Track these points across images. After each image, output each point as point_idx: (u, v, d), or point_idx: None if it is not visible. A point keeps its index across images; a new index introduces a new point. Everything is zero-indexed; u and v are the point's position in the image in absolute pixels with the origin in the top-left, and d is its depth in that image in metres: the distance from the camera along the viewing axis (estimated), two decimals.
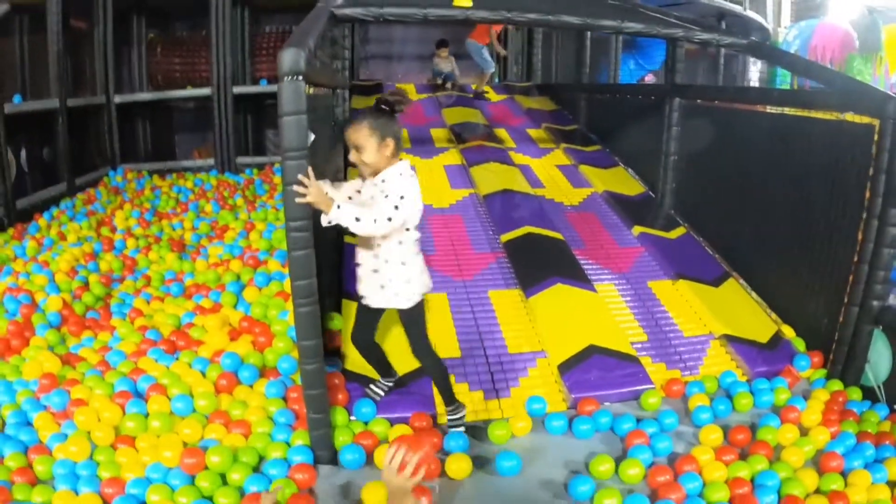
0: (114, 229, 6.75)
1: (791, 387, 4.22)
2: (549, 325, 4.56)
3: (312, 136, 3.20)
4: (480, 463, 3.46)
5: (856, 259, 4.19)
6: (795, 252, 4.73)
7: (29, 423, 3.67)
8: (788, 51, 10.81)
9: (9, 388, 3.94)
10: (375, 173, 3.24)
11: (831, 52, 11.19)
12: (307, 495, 3.17)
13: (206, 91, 9.70)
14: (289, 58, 2.96)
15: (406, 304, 3.38)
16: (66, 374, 4.07)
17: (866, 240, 4.12)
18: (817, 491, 3.33)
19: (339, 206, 3.01)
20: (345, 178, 5.42)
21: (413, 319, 3.46)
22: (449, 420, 3.68)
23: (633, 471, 3.38)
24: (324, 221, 3.13)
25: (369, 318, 3.59)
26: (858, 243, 4.17)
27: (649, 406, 3.98)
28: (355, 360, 4.02)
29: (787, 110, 4.89)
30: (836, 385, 4.26)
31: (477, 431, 3.69)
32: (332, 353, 4.11)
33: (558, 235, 5.68)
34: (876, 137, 4.04)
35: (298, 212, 3.07)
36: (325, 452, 3.42)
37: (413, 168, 3.29)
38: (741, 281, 5.36)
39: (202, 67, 10.11)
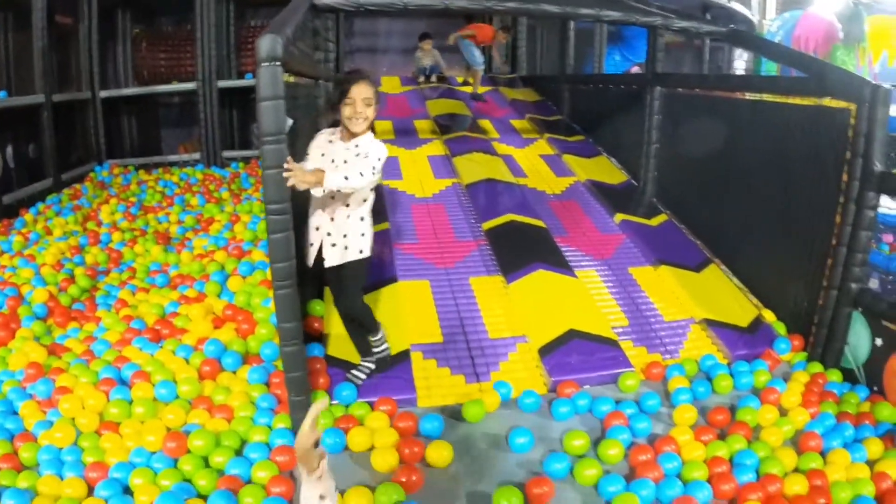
0: (99, 223, 6.76)
1: (771, 369, 4.27)
2: (530, 310, 4.60)
3: (290, 122, 3.23)
4: (462, 447, 3.49)
5: (834, 242, 4.24)
6: (776, 237, 4.79)
7: (15, 413, 3.68)
8: (767, 39, 10.86)
9: None
10: (353, 136, 3.50)
11: (815, 42, 11.25)
12: (288, 478, 3.20)
13: (191, 86, 9.70)
14: (266, 44, 3.00)
15: (359, 255, 3.62)
16: (52, 363, 4.09)
17: (844, 223, 4.17)
18: (796, 470, 3.37)
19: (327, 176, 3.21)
20: None
21: (357, 273, 3.69)
22: (353, 372, 3.90)
23: (613, 451, 3.42)
24: (317, 193, 3.37)
25: (335, 281, 3.78)
26: (836, 226, 4.22)
27: (627, 388, 4.02)
28: (337, 346, 4.06)
29: (766, 97, 4.93)
30: (817, 367, 4.32)
31: (456, 414, 3.72)
32: (315, 339, 4.14)
33: (540, 223, 5.71)
34: (853, 121, 4.10)
35: (277, 195, 3.11)
36: None
37: None
38: (722, 266, 5.41)
39: (188, 62, 10.11)
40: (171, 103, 11.03)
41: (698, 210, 5.92)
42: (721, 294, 5.05)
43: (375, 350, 3.93)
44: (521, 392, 3.88)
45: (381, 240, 5.11)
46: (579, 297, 4.77)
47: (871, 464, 3.41)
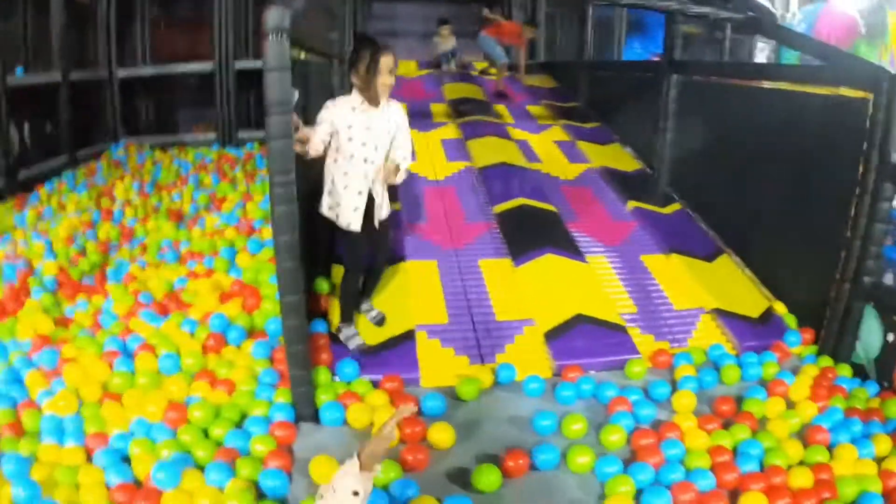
0: (113, 200, 6.78)
1: (780, 362, 4.21)
2: (538, 293, 4.58)
3: (297, 94, 3.21)
4: (464, 426, 3.48)
5: (848, 235, 4.16)
6: (789, 228, 4.73)
7: (20, 381, 3.71)
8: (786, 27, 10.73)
9: (2, 348, 3.99)
10: (377, 102, 3.67)
11: (836, 37, 11.11)
12: (285, 452, 3.20)
13: (208, 66, 9.70)
14: (273, 15, 3.03)
15: (390, 209, 4.07)
16: (59, 334, 4.10)
17: (859, 215, 4.10)
18: (801, 463, 3.32)
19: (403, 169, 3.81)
20: None
21: (391, 225, 4.13)
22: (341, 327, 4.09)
23: (615, 436, 3.39)
24: (400, 179, 3.89)
25: (362, 241, 3.94)
26: (851, 218, 4.14)
27: (634, 375, 3.98)
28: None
29: (783, 85, 4.86)
30: (827, 361, 4.25)
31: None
32: (320, 317, 4.13)
33: (552, 208, 5.68)
34: (870, 111, 4.02)
35: (282, 166, 3.10)
36: (306, 410, 3.44)
37: None
38: (735, 257, 5.35)
39: (206, 43, 10.10)
40: (187, 83, 11.01)
41: (712, 199, 5.86)
42: (732, 284, 5.00)
43: (370, 315, 4.23)
44: (525, 376, 3.85)
45: (392, 221, 5.09)
46: (588, 283, 4.75)
47: (878, 460, 3.35)
